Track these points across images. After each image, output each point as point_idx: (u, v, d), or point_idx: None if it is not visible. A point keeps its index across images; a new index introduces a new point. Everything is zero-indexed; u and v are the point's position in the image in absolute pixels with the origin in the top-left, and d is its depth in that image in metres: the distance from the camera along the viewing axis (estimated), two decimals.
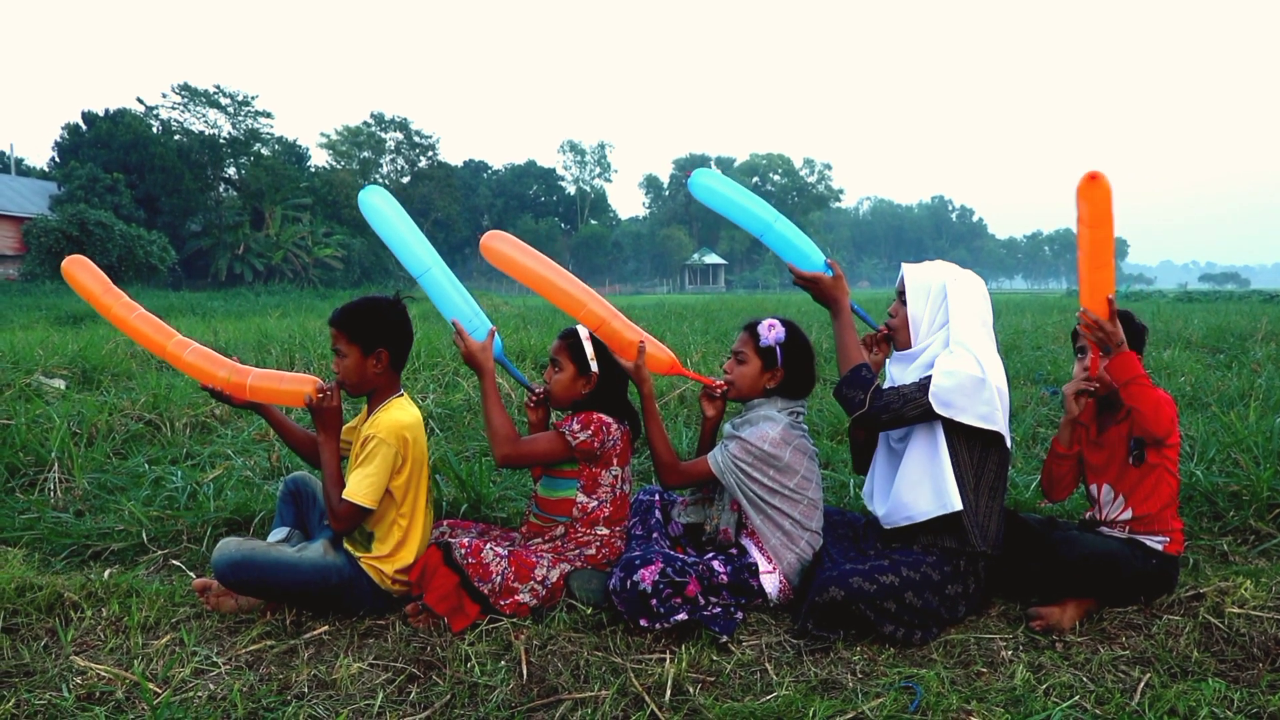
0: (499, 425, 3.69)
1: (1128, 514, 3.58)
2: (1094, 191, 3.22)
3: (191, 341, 3.85)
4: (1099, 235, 3.27)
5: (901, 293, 3.68)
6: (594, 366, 3.79)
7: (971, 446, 3.44)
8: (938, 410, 3.36)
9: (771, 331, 3.73)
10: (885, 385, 3.72)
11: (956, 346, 3.46)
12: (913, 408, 3.40)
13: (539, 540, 3.80)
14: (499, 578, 3.47)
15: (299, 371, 9.02)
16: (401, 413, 3.62)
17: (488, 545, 3.53)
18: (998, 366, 3.46)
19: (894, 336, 3.73)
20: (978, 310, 3.57)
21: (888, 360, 3.78)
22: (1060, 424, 3.72)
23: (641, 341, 3.83)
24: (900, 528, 3.54)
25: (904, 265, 3.75)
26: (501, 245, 3.84)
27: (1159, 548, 3.52)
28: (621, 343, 3.81)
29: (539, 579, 3.55)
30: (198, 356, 3.78)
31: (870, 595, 3.27)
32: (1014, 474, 5.25)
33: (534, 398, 3.97)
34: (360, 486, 3.47)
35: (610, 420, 3.75)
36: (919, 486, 3.46)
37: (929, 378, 3.40)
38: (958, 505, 3.37)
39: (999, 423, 3.38)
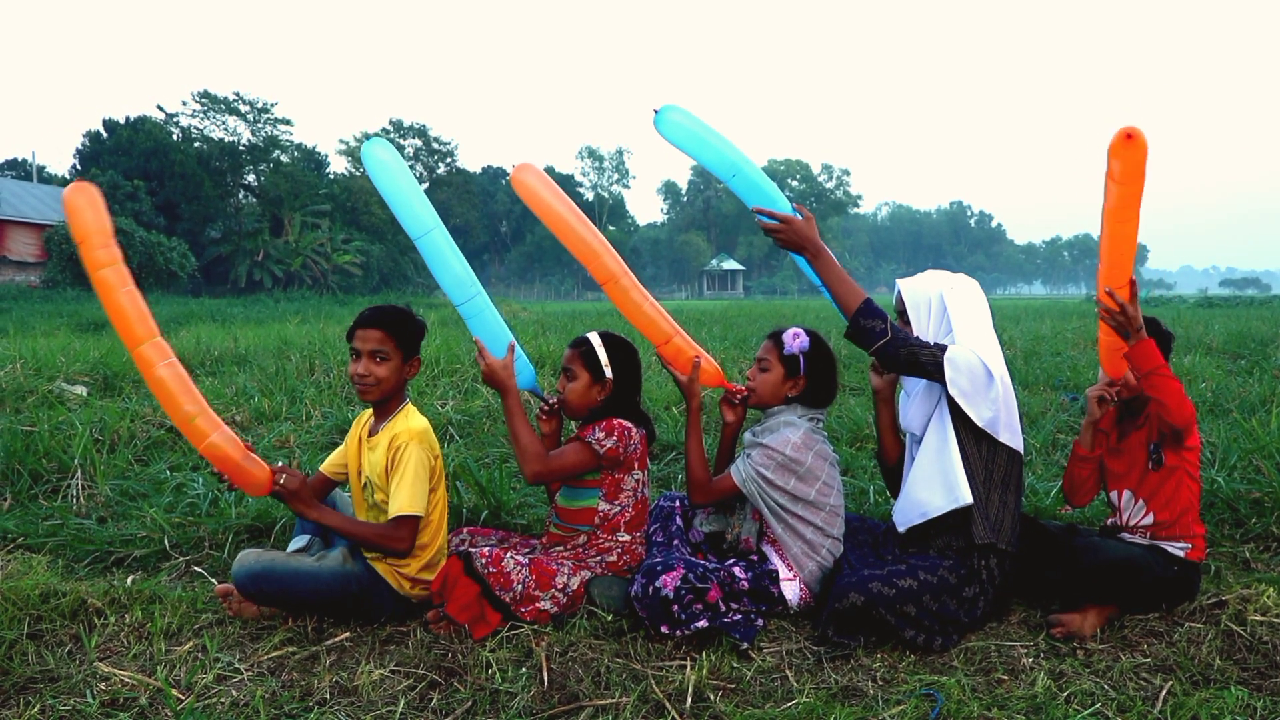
0: (527, 443, 3.65)
1: (1149, 519, 3.58)
2: (1129, 151, 3.10)
3: (171, 354, 3.36)
4: (1129, 192, 3.16)
5: (901, 310, 3.70)
6: (609, 373, 3.79)
7: (979, 442, 3.46)
8: (946, 376, 3.37)
9: (796, 340, 3.74)
10: (900, 397, 3.76)
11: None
12: (928, 355, 3.39)
13: (560, 549, 3.80)
14: (520, 586, 3.48)
15: (319, 379, 9.08)
16: (416, 420, 3.66)
17: (508, 554, 3.54)
18: (1002, 368, 3.48)
19: None
20: (978, 315, 3.59)
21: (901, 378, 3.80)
22: (1082, 426, 3.72)
23: (698, 357, 3.86)
24: (916, 529, 3.55)
25: (898, 281, 3.77)
26: (531, 180, 3.74)
27: (1181, 554, 3.51)
28: (657, 331, 3.83)
29: (560, 587, 3.55)
30: (172, 378, 3.30)
31: (889, 600, 3.27)
32: (1034, 480, 5.25)
33: (547, 407, 3.96)
34: (403, 498, 3.48)
35: (630, 425, 3.75)
36: (931, 483, 3.48)
37: (946, 346, 3.43)
38: (968, 499, 3.38)
39: (995, 424, 3.41)
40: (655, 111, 3.66)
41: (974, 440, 3.46)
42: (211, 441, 3.32)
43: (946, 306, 3.57)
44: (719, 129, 3.70)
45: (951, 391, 3.37)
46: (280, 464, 3.51)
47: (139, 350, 3.24)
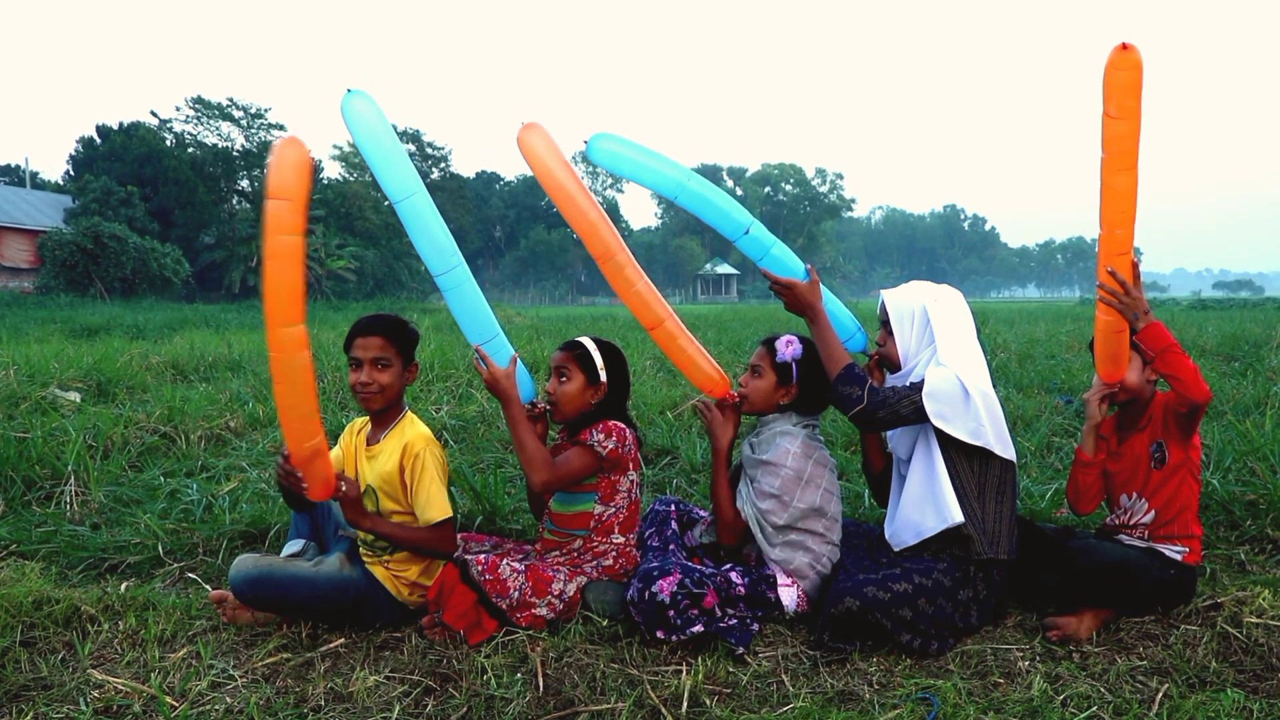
0: (533, 451, 3.61)
1: (1150, 516, 3.57)
2: (1124, 69, 3.05)
3: (308, 347, 3.17)
4: (1127, 129, 3.10)
5: (885, 321, 3.70)
6: (603, 376, 3.77)
7: (970, 457, 3.46)
8: (929, 411, 3.38)
9: (789, 348, 3.73)
10: None
11: (941, 365, 3.49)
12: (908, 404, 3.42)
13: (556, 554, 3.79)
14: (516, 593, 3.47)
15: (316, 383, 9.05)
16: (422, 427, 3.67)
17: (504, 561, 3.53)
18: (984, 379, 3.49)
19: (884, 361, 3.75)
20: (960, 327, 3.60)
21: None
22: (1083, 432, 3.71)
23: (733, 392, 3.83)
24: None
25: (883, 293, 3.77)
26: (537, 142, 3.51)
27: (1177, 557, 3.51)
28: (649, 314, 3.72)
29: (556, 593, 3.55)
30: (306, 370, 3.12)
31: (885, 604, 3.27)
32: (1029, 483, 5.24)
33: (534, 412, 3.88)
34: (437, 502, 3.52)
35: (624, 426, 3.75)
36: (922, 504, 3.49)
37: (923, 380, 3.43)
38: (958, 519, 3.39)
39: (987, 438, 3.40)
40: (585, 143, 3.56)
41: (965, 456, 3.46)
42: (319, 443, 3.25)
43: (930, 319, 3.58)
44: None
45: (934, 421, 3.39)
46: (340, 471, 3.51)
47: (286, 330, 3.01)
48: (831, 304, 3.79)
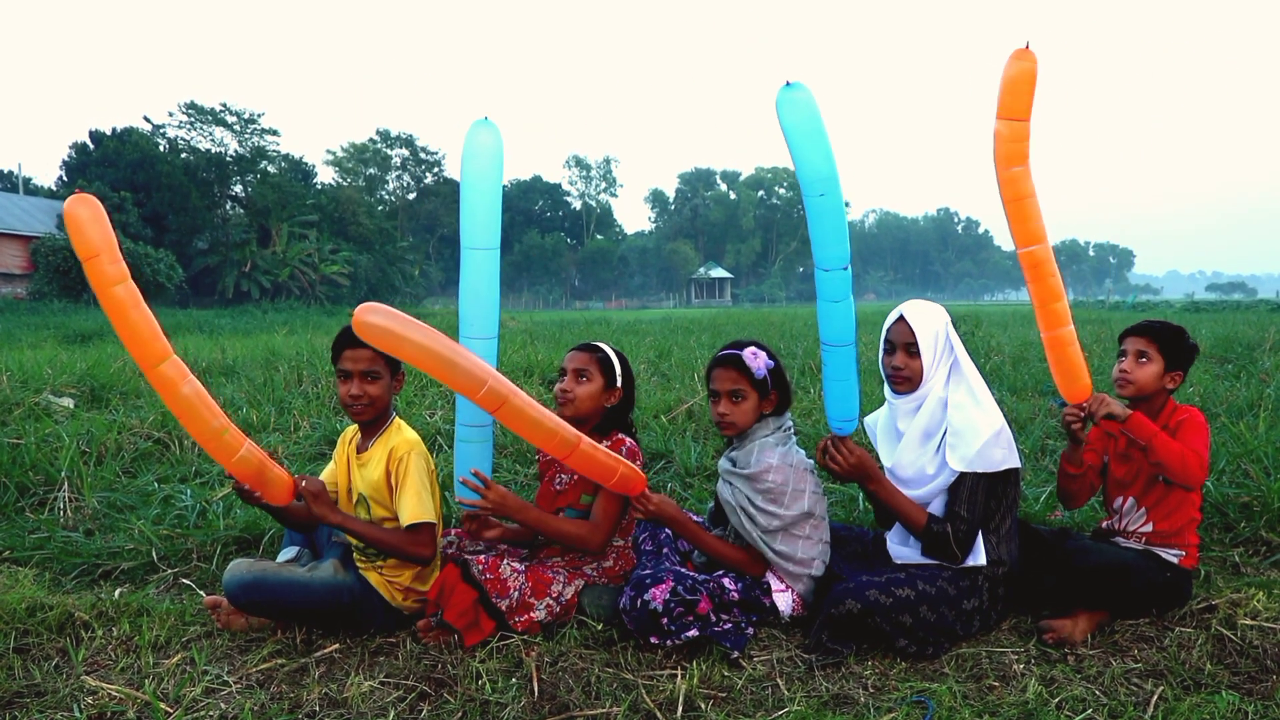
0: (572, 531, 3.59)
1: (1148, 527, 3.57)
2: (1018, 79, 3.18)
3: (188, 371, 3.16)
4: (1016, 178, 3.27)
5: (909, 343, 3.53)
6: (619, 382, 3.78)
7: (990, 490, 3.44)
8: (997, 468, 3.38)
9: (757, 360, 3.58)
10: (889, 449, 3.70)
11: (967, 397, 3.48)
12: (980, 509, 3.42)
13: (557, 559, 3.79)
14: (516, 593, 3.47)
15: (306, 390, 9.05)
16: (409, 432, 3.65)
17: (505, 561, 3.54)
18: (992, 401, 3.51)
19: (894, 380, 3.60)
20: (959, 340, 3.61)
21: (888, 397, 3.68)
22: (1069, 445, 3.68)
23: (645, 484, 3.58)
24: None
25: (906, 314, 3.58)
26: (381, 320, 3.02)
27: (1174, 560, 3.51)
28: (560, 442, 3.29)
29: (555, 595, 3.56)
30: (195, 396, 3.13)
31: (886, 608, 3.27)
32: (1023, 487, 5.24)
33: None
34: (415, 505, 3.48)
35: (628, 439, 3.76)
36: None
37: (967, 475, 3.41)
38: (982, 562, 3.42)
39: (1012, 458, 3.41)
40: (786, 84, 3.09)
41: (985, 490, 3.43)
42: (242, 456, 3.22)
43: (950, 338, 3.57)
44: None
45: (986, 470, 3.39)
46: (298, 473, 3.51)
47: (158, 370, 3.05)
48: (843, 383, 3.47)
